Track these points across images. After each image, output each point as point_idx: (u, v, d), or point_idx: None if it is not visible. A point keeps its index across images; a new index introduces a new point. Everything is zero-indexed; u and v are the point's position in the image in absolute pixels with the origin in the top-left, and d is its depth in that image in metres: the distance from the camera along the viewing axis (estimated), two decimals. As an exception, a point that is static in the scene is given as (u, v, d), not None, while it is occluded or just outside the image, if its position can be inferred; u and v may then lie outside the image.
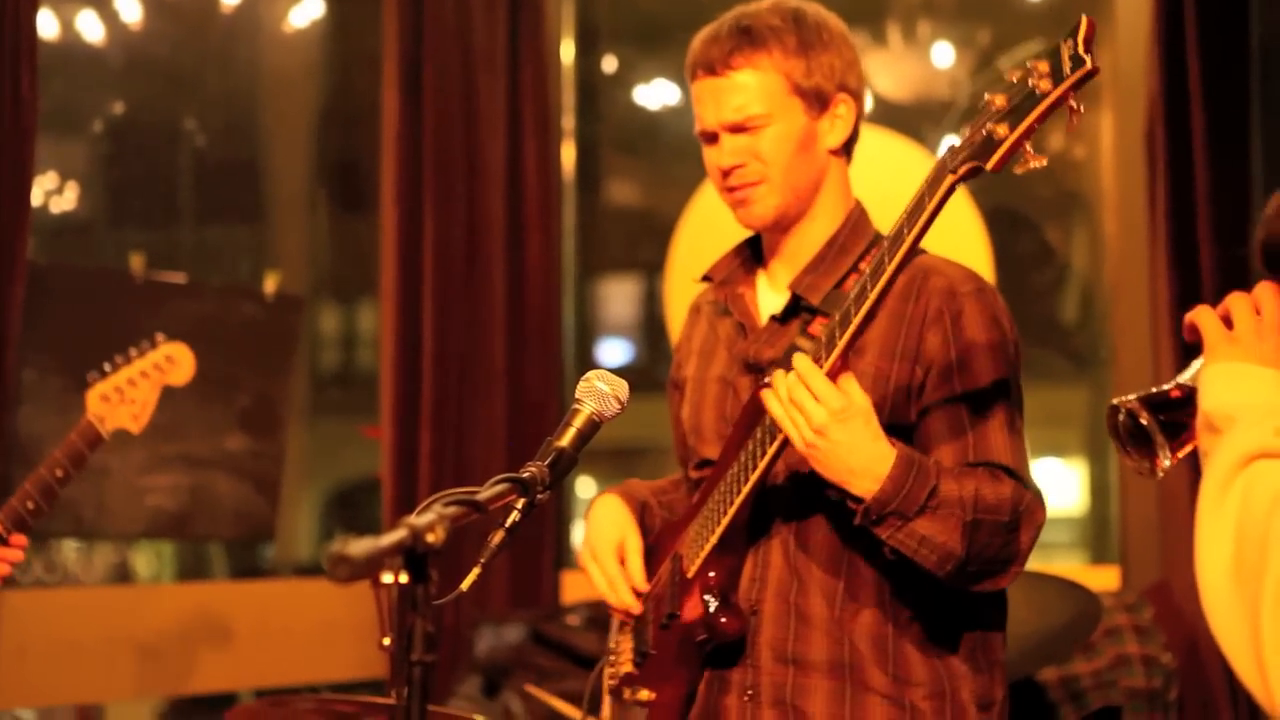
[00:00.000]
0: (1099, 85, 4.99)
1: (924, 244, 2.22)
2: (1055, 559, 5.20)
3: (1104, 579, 4.61)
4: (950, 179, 2.11)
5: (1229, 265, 4.27)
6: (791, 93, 2.50)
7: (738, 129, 2.51)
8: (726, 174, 2.53)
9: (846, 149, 2.60)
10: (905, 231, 2.16)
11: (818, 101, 2.52)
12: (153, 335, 3.32)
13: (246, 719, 2.98)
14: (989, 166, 2.06)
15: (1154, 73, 4.43)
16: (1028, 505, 2.34)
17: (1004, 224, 5.08)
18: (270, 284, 4.61)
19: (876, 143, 4.86)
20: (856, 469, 2.25)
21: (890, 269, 2.18)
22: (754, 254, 2.67)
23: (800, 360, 2.26)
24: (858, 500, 2.27)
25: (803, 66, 2.50)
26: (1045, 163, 2.04)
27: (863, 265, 2.48)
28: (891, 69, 5.31)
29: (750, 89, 2.50)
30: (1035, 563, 2.48)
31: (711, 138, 2.55)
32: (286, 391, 4.65)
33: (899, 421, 2.37)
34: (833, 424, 2.22)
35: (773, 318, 2.55)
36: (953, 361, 2.40)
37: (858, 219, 2.58)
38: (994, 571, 2.35)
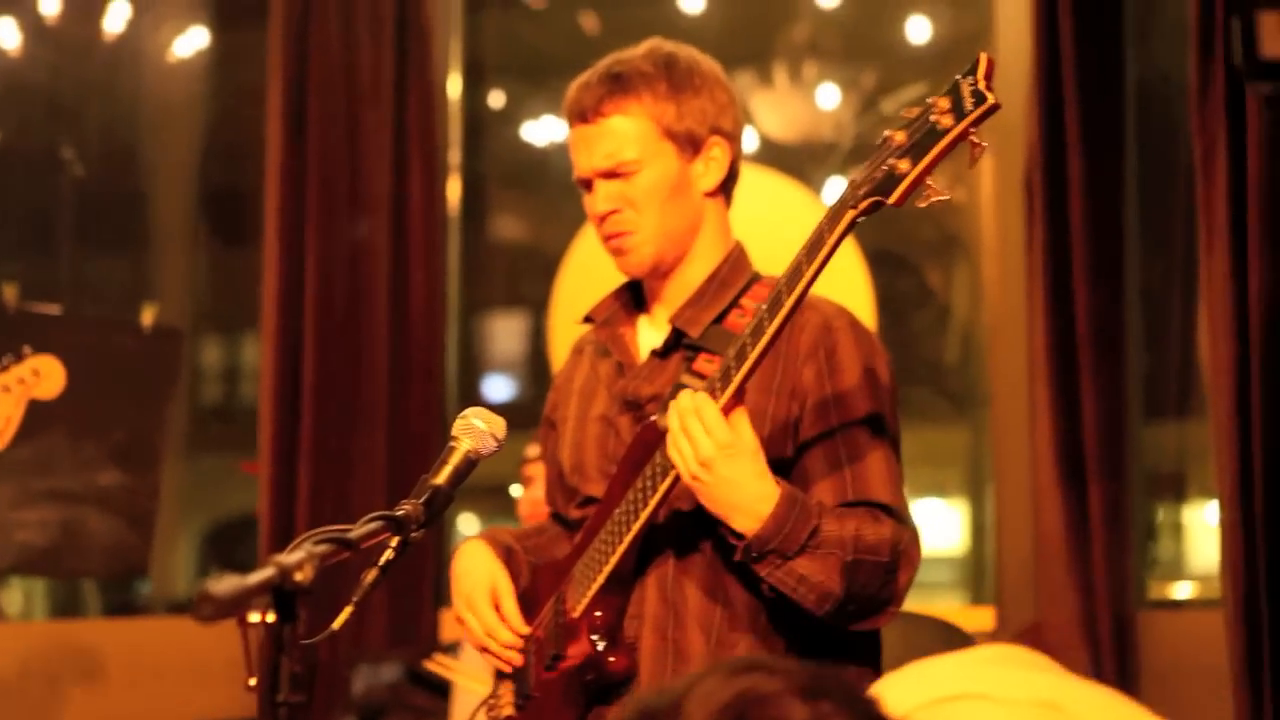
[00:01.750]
0: (980, 128, 5.05)
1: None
2: (935, 599, 5.24)
3: (981, 619, 4.65)
4: (851, 214, 2.12)
5: (1103, 308, 4.34)
6: (663, 137, 2.51)
7: (610, 175, 2.52)
8: (603, 220, 2.54)
9: (724, 190, 2.60)
10: (804, 266, 2.17)
11: (690, 145, 2.53)
12: (19, 350, 3.25)
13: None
14: (891, 201, 2.08)
15: (1033, 119, 4.50)
16: (905, 546, 2.36)
17: (886, 265, 5.12)
18: (148, 316, 4.54)
19: (761, 182, 4.89)
20: (739, 506, 2.25)
21: (789, 303, 2.18)
22: (636, 296, 2.67)
23: (696, 395, 2.25)
24: (739, 536, 2.27)
25: (674, 111, 2.51)
26: (949, 197, 2.07)
27: (744, 301, 2.50)
28: (777, 109, 5.35)
29: (621, 135, 2.51)
30: (914, 603, 2.51)
31: (587, 184, 2.56)
32: (163, 426, 4.57)
33: (776, 456, 2.36)
34: (719, 459, 2.22)
35: (653, 353, 2.55)
36: (828, 396, 2.42)
37: (737, 258, 2.59)
38: (873, 611, 2.36)
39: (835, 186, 5.13)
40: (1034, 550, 4.52)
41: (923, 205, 2.07)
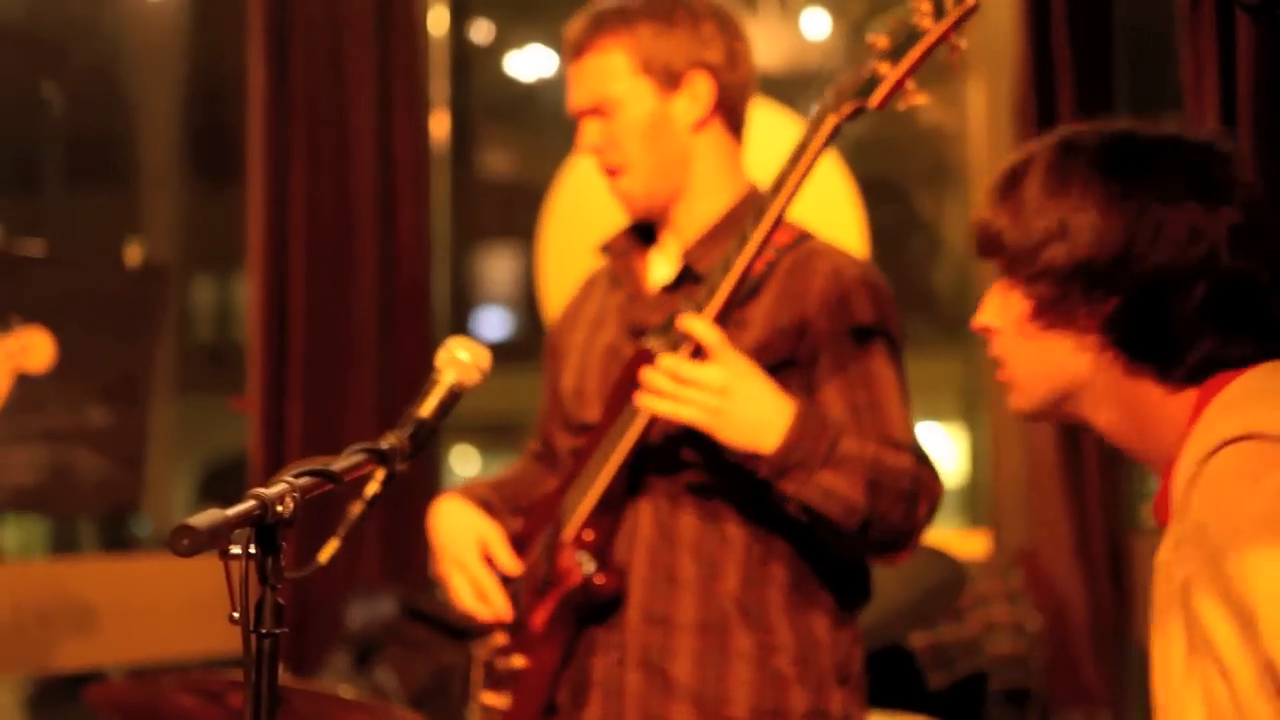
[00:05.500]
0: (970, 58, 5.02)
1: (807, 226, 2.22)
2: (933, 524, 5.25)
3: (977, 544, 4.66)
4: (833, 119, 2.13)
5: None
6: (639, 73, 2.49)
7: (592, 113, 2.52)
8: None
9: (726, 124, 2.55)
10: (789, 174, 2.16)
11: (668, 80, 2.49)
12: (8, 318, 3.23)
13: (107, 698, 2.93)
14: (872, 103, 2.08)
15: (1023, 44, 4.46)
16: (926, 479, 2.36)
17: (876, 195, 5.10)
18: (133, 254, 4.52)
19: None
20: (764, 421, 2.23)
21: (774, 210, 2.18)
22: (649, 228, 2.65)
23: (668, 360, 2.25)
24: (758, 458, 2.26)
25: (651, 46, 2.48)
26: (926, 100, 2.06)
27: None
28: (764, 37, 5.31)
29: (598, 73, 2.50)
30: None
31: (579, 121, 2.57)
32: (152, 364, 4.56)
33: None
34: (734, 379, 2.22)
35: (664, 288, 2.54)
36: (842, 342, 2.41)
37: (753, 198, 2.55)
38: (892, 540, 2.35)
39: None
40: (1028, 475, 4.53)
41: (902, 108, 2.08)
